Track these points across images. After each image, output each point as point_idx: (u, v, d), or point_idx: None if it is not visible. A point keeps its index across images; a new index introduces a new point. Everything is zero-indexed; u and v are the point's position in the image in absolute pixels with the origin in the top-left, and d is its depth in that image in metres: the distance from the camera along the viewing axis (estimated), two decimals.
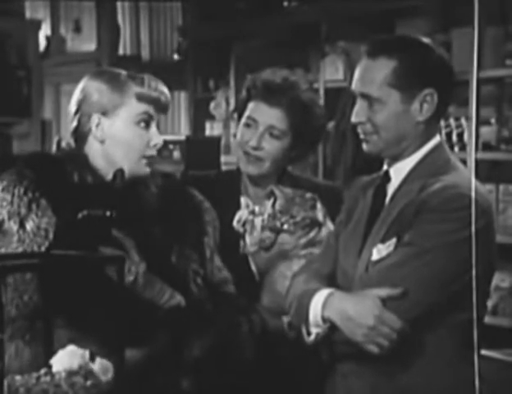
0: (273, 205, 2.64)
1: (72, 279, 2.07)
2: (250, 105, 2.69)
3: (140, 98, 2.30)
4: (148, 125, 2.32)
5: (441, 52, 2.22)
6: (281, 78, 2.67)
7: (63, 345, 2.00)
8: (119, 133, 2.30)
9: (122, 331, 1.89)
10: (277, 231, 2.59)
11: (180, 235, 2.35)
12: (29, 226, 2.19)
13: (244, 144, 2.67)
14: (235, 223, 2.62)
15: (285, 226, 2.58)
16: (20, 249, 2.19)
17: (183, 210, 2.40)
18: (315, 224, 2.58)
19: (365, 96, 2.17)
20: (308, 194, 2.62)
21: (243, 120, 2.70)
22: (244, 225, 2.63)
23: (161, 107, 2.34)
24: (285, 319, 2.28)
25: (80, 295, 2.10)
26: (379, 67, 2.16)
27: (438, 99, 2.17)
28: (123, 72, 2.34)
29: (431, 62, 2.18)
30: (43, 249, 2.18)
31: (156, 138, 2.33)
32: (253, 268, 2.58)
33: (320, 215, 2.60)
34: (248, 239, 2.61)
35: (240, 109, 2.73)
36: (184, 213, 2.39)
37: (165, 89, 2.35)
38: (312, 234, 2.57)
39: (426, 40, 2.22)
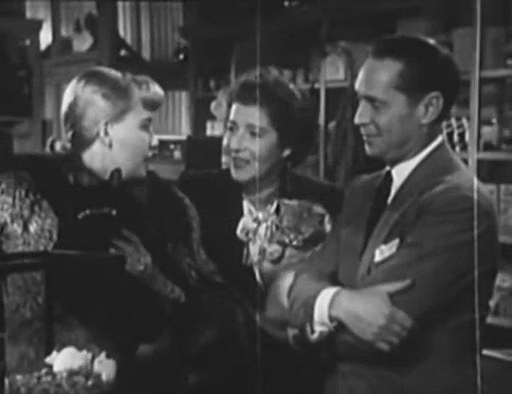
0: (277, 211, 2.62)
1: (76, 278, 2.08)
2: (232, 109, 2.67)
3: (146, 104, 2.35)
4: (148, 128, 2.37)
5: (447, 54, 2.19)
6: (256, 76, 2.65)
7: (78, 345, 2.01)
8: (126, 138, 2.33)
9: (130, 328, 1.90)
10: (285, 245, 2.58)
11: (172, 231, 2.38)
12: (32, 228, 2.21)
13: (229, 149, 2.65)
14: (238, 232, 2.61)
15: (294, 243, 2.55)
16: None
17: (171, 206, 2.43)
18: (323, 238, 2.54)
19: (370, 98, 2.16)
20: (316, 209, 2.59)
21: (227, 125, 2.68)
22: (247, 234, 2.62)
23: (157, 108, 2.40)
24: (290, 331, 2.26)
25: (84, 294, 2.11)
26: (385, 69, 2.13)
27: (444, 102, 2.16)
28: (121, 75, 2.35)
29: (437, 65, 2.16)
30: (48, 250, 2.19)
31: (155, 139, 2.39)
32: (258, 278, 2.57)
33: (329, 229, 2.57)
34: (251, 248, 2.60)
35: (227, 116, 2.72)
36: (172, 208, 2.43)
37: (161, 91, 2.40)
38: (319, 247, 2.53)
39: (432, 42, 2.20)
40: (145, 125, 2.35)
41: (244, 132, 2.62)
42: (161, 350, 2.20)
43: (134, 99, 2.33)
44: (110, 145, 2.32)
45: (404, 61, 2.13)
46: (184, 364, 2.25)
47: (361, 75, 2.18)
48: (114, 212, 2.21)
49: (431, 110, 2.16)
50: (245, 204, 2.66)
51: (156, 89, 2.37)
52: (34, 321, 2.15)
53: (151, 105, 2.36)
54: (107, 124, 2.31)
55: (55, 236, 2.20)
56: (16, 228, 2.21)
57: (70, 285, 2.10)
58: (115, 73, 2.36)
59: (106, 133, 2.32)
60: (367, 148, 2.21)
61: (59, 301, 2.13)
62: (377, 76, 2.14)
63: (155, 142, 2.38)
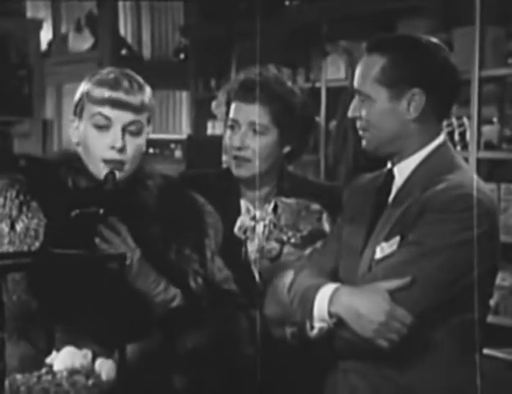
0: (274, 210, 2.62)
1: (72, 277, 2.07)
2: (231, 107, 2.66)
3: (90, 98, 2.24)
4: (107, 127, 2.23)
5: (442, 54, 2.19)
6: (255, 74, 2.64)
7: (63, 346, 2.00)
8: (83, 136, 2.26)
9: (123, 327, 1.89)
10: (283, 243, 2.57)
11: (179, 236, 2.32)
12: (18, 227, 2.19)
13: (231, 147, 2.64)
14: (236, 230, 2.61)
15: (292, 240, 2.55)
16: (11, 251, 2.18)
17: (182, 212, 2.36)
18: (321, 235, 2.54)
19: (359, 92, 2.19)
20: (314, 206, 2.59)
21: (227, 123, 2.67)
22: (245, 232, 2.61)
23: (122, 106, 2.22)
24: (289, 329, 2.26)
25: (79, 293, 2.10)
26: (371, 64, 2.17)
27: (429, 99, 2.15)
28: (105, 72, 2.28)
29: (421, 62, 2.16)
30: (32, 249, 2.17)
31: (114, 141, 2.22)
32: (256, 276, 2.57)
33: (327, 226, 2.56)
34: (249, 246, 2.60)
35: (227, 114, 2.71)
36: (183, 214, 2.36)
37: (131, 87, 2.23)
38: (318, 244, 2.52)
39: (430, 40, 2.20)
40: (100, 123, 2.22)
41: (246, 130, 2.62)
42: (148, 351, 2.18)
43: (83, 95, 2.25)
44: (77, 144, 2.28)
45: (388, 56, 2.15)
46: (172, 365, 2.22)
47: (356, 71, 2.22)
48: (102, 211, 2.18)
49: (413, 105, 2.16)
50: (243, 203, 2.66)
51: (110, 83, 2.22)
52: (9, 320, 2.12)
53: (97, 101, 2.22)
54: (76, 121, 2.28)
55: (41, 237, 2.18)
56: (4, 228, 2.20)
57: (60, 284, 2.09)
58: (109, 70, 2.30)
59: (74, 130, 2.29)
60: (363, 142, 2.23)
61: (44, 301, 2.12)
62: (365, 71, 2.18)
63: (113, 144, 2.21)
